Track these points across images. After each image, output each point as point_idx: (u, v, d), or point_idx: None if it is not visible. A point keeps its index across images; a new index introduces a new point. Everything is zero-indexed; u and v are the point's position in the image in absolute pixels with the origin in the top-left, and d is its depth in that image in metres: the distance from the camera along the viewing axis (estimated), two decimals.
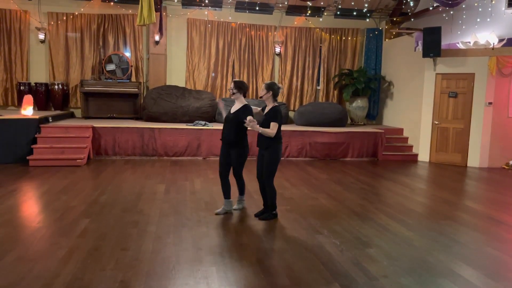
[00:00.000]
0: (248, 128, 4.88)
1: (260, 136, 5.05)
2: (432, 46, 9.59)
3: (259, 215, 5.23)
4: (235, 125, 5.11)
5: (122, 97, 10.68)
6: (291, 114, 11.72)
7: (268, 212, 5.22)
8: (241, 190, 5.52)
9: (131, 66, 10.89)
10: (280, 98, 11.98)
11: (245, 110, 5.10)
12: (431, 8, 10.30)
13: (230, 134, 5.15)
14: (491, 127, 9.44)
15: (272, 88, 4.97)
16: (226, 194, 5.39)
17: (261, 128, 4.89)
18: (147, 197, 6.01)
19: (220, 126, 9.70)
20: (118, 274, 3.52)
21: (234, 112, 5.18)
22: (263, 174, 5.13)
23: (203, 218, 5.12)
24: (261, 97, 5.06)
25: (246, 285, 3.43)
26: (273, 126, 4.90)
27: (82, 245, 4.14)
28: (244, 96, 5.23)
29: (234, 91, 5.14)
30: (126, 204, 5.62)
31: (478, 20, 9.59)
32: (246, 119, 4.80)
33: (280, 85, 5.14)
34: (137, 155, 9.23)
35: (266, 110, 5.09)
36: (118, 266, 3.68)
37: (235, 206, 5.52)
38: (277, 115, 4.94)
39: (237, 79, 5.86)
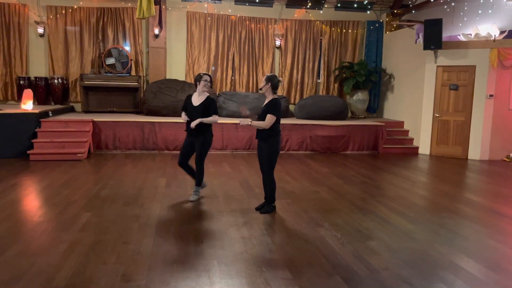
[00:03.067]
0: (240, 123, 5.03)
1: (260, 129, 5.06)
2: (433, 38, 9.54)
3: (259, 208, 5.25)
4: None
5: (122, 91, 10.66)
6: (291, 107, 11.69)
7: (268, 205, 5.23)
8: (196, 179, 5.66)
9: (131, 60, 10.85)
10: (280, 91, 11.95)
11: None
12: (432, 0, 10.23)
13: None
14: (492, 120, 9.42)
15: (272, 80, 4.97)
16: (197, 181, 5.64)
17: (254, 122, 4.96)
18: (148, 191, 6.02)
19: (219, 120, 9.71)
20: (119, 268, 3.53)
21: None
22: (263, 167, 5.14)
23: (204, 212, 5.13)
24: (260, 89, 5.08)
25: (247, 278, 3.43)
26: (268, 118, 4.89)
27: (84, 239, 4.14)
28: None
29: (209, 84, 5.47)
30: (127, 198, 5.62)
31: (480, 12, 9.53)
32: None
33: (280, 78, 5.18)
34: (137, 149, 9.23)
35: (265, 102, 5.09)
36: (120, 260, 3.68)
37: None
38: (275, 107, 4.93)
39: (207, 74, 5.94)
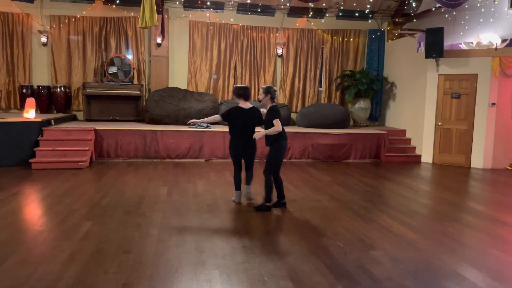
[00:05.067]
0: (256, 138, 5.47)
1: (267, 136, 5.46)
2: (435, 47, 9.56)
3: (275, 205, 5.67)
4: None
5: (124, 100, 10.68)
6: (293, 115, 11.68)
7: (264, 204, 5.56)
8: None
9: (133, 68, 10.89)
10: (282, 100, 11.97)
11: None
12: (433, 9, 10.27)
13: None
14: (495, 128, 9.40)
15: (269, 91, 5.48)
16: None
17: (265, 131, 5.40)
18: (150, 200, 6.00)
19: (221, 128, 9.71)
20: (121, 277, 3.51)
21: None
22: (265, 167, 5.53)
23: (206, 221, 5.11)
24: (260, 100, 5.57)
25: None
26: (276, 122, 5.34)
27: (85, 248, 4.12)
28: (246, 100, 5.76)
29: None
30: (129, 207, 5.61)
31: (481, 20, 9.56)
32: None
33: (275, 88, 5.70)
34: (139, 157, 9.23)
35: (266, 111, 5.57)
36: (121, 269, 3.66)
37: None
38: (277, 112, 5.43)
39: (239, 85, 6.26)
